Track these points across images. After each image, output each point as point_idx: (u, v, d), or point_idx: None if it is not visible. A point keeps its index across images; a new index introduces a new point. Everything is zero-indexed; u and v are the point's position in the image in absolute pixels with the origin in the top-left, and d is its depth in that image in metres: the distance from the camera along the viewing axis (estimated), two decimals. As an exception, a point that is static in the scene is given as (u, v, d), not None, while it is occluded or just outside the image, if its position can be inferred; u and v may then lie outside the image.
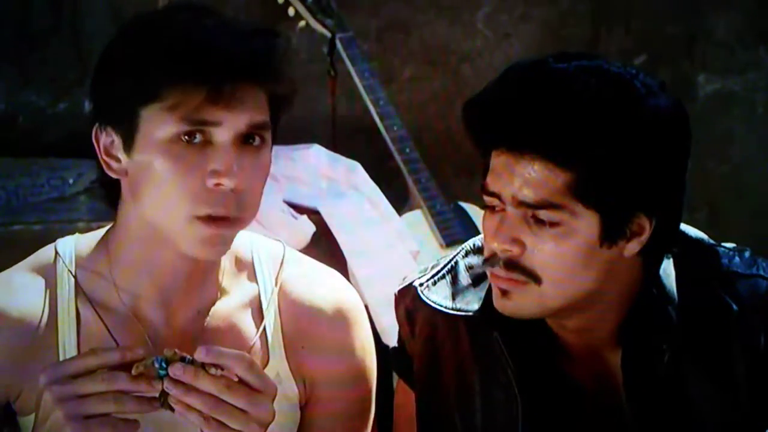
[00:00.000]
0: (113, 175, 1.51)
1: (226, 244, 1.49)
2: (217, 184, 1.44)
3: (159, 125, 1.45)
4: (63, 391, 1.39)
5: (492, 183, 1.47)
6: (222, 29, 1.46)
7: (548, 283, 1.45)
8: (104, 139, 1.50)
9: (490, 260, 1.48)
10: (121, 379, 1.39)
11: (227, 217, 1.46)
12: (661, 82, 1.48)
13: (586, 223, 1.44)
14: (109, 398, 1.39)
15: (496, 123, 1.45)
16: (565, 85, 1.43)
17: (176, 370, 1.39)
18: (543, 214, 1.44)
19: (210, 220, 1.45)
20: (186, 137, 1.45)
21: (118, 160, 1.50)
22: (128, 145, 1.48)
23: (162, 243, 1.50)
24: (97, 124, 1.51)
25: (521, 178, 1.43)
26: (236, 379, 1.41)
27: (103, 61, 1.49)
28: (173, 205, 1.45)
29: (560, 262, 1.45)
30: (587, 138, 1.41)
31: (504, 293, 1.48)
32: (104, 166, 1.51)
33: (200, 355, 1.40)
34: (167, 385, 1.39)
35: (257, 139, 1.47)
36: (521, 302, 1.47)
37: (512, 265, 1.46)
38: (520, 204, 1.44)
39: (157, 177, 1.45)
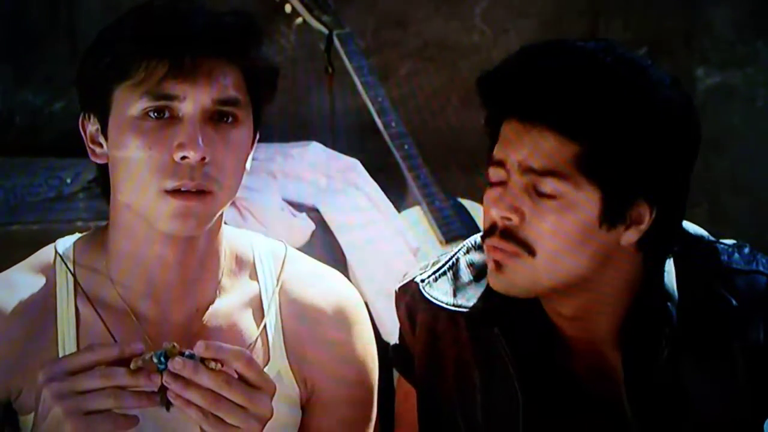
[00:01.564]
0: (98, 161, 1.53)
1: (198, 218, 1.48)
2: (183, 157, 1.46)
3: (128, 103, 1.47)
4: (62, 387, 1.39)
5: (499, 151, 1.47)
6: (194, 10, 1.48)
7: (542, 256, 1.45)
8: (90, 127, 1.53)
9: (489, 231, 1.48)
10: (120, 374, 1.39)
11: (196, 191, 1.47)
12: (674, 78, 1.49)
13: (587, 199, 1.45)
14: (108, 394, 1.38)
15: (510, 91, 1.46)
16: (582, 60, 1.44)
17: (176, 364, 1.39)
18: (547, 182, 1.44)
19: (178, 193, 1.47)
20: (154, 114, 1.47)
21: (101, 146, 1.52)
22: (104, 128, 1.50)
23: (147, 233, 1.51)
24: (83, 114, 1.53)
25: (530, 146, 1.44)
26: (235, 376, 1.41)
27: (86, 51, 1.52)
28: (143, 181, 1.47)
29: (557, 235, 1.45)
30: (599, 112, 1.42)
31: (497, 267, 1.48)
32: (90, 153, 1.54)
33: (199, 349, 1.40)
34: (166, 379, 1.39)
35: (230, 117, 1.49)
36: (514, 276, 1.47)
37: (508, 234, 1.46)
38: (525, 170, 1.45)
39: (128, 155, 1.47)
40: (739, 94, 3.57)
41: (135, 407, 1.40)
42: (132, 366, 1.39)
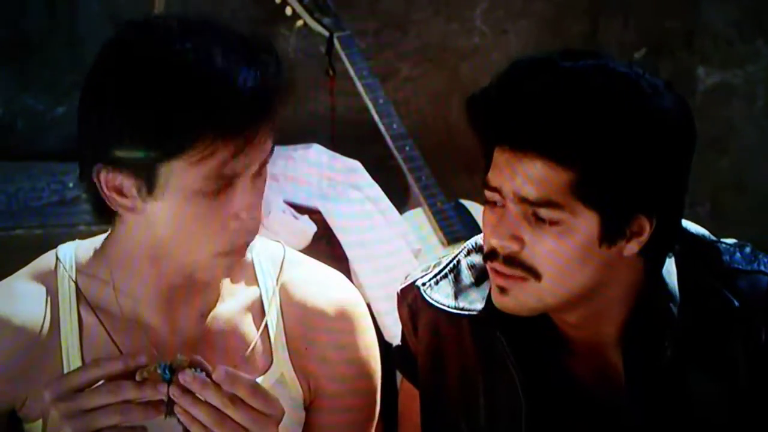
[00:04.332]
0: (118, 210, 1.46)
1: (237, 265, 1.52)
2: (241, 223, 1.45)
3: (183, 180, 1.41)
4: (69, 407, 1.38)
5: (494, 178, 1.47)
6: (232, 64, 1.38)
7: (547, 279, 1.45)
8: (109, 178, 1.43)
9: (490, 255, 1.48)
10: (126, 388, 1.39)
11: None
12: (667, 82, 1.47)
13: (585, 223, 1.44)
14: (115, 410, 1.39)
15: (499, 120, 1.44)
16: (571, 84, 1.42)
17: (186, 377, 1.39)
18: (543, 212, 1.43)
19: (232, 252, 1.47)
20: (215, 186, 1.42)
21: (126, 197, 1.45)
22: (145, 191, 1.43)
23: (171, 254, 1.50)
24: (100, 165, 1.43)
25: (523, 175, 1.43)
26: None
27: (107, 98, 1.40)
28: (197, 246, 1.46)
29: (559, 259, 1.44)
30: (590, 138, 1.41)
31: (502, 290, 1.48)
32: (108, 201, 1.45)
33: (219, 375, 1.40)
34: (173, 393, 1.39)
35: (263, 168, 1.46)
36: (520, 299, 1.47)
37: (512, 260, 1.46)
38: (521, 201, 1.44)
39: (180, 222, 1.44)
40: (739, 93, 3.57)
41: (142, 420, 1.40)
42: (137, 378, 1.39)
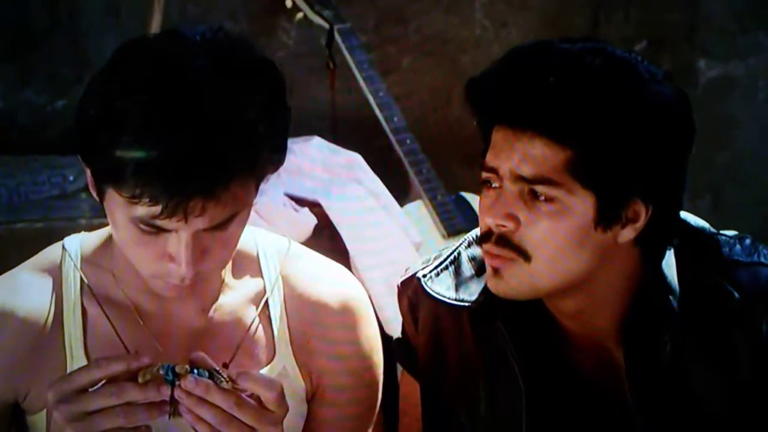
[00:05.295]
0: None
1: (191, 289, 1.48)
2: (177, 266, 1.43)
3: (119, 209, 1.42)
4: (72, 410, 1.38)
5: (491, 159, 1.47)
6: (172, 134, 1.35)
7: (538, 261, 1.45)
8: (85, 168, 1.46)
9: (485, 237, 1.48)
10: (129, 389, 1.39)
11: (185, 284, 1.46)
12: (666, 72, 1.48)
13: (581, 203, 1.44)
14: (118, 412, 1.39)
15: (498, 98, 1.45)
16: (570, 63, 1.43)
17: (188, 383, 1.39)
18: (539, 188, 1.44)
19: (167, 282, 1.46)
20: (146, 227, 1.42)
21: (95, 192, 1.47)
22: (98, 197, 1.45)
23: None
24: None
25: (521, 153, 1.44)
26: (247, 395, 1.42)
27: (91, 111, 1.40)
28: (136, 261, 1.46)
29: (553, 240, 1.45)
30: (588, 116, 1.41)
31: (496, 272, 1.48)
32: (89, 185, 1.48)
33: (243, 381, 1.40)
34: (178, 394, 1.40)
35: (223, 226, 1.43)
36: (512, 281, 1.47)
37: (504, 241, 1.46)
38: (518, 179, 1.44)
39: (120, 236, 1.45)
40: (740, 85, 3.57)
41: (146, 421, 1.40)
42: (140, 380, 1.39)
